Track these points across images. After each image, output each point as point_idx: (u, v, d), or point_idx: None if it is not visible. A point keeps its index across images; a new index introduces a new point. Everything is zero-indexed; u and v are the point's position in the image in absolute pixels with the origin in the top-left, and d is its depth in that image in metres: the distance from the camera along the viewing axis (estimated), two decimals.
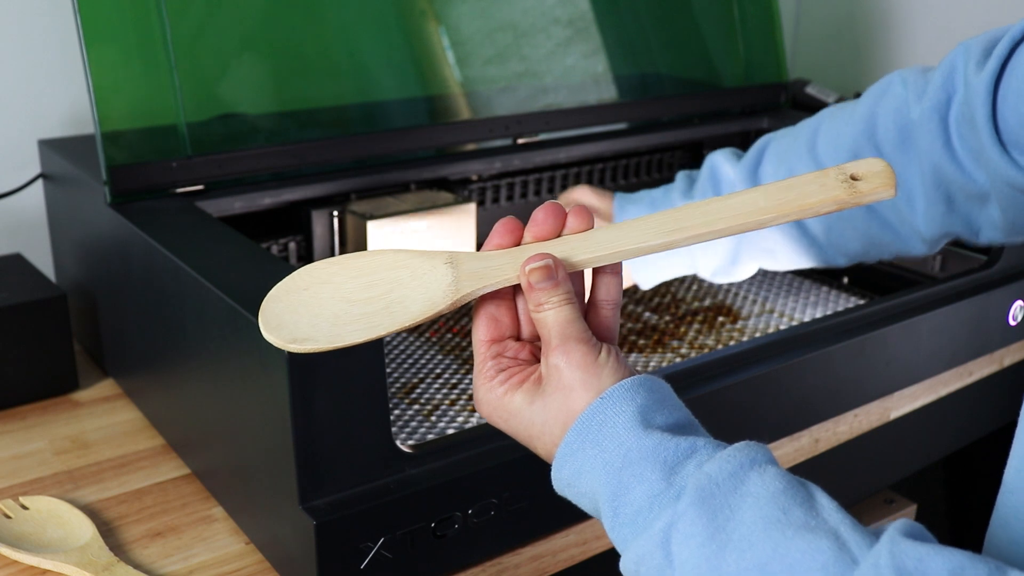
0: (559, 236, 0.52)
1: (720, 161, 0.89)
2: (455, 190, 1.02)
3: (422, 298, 0.50)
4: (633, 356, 0.92)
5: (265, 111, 0.95)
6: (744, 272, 0.91)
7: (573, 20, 1.13)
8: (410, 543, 0.63)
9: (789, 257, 0.88)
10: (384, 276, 0.51)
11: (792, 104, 1.33)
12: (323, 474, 0.61)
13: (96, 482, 0.78)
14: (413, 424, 0.79)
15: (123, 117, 0.84)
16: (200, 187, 0.88)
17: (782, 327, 0.97)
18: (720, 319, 1.00)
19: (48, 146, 0.99)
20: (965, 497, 1.37)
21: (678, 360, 0.91)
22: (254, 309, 0.63)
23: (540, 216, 0.52)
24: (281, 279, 0.69)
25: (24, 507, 0.73)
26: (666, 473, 0.46)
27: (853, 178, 0.48)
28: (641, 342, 0.94)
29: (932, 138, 0.73)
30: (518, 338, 0.54)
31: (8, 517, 0.72)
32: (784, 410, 0.83)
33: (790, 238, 0.86)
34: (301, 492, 0.60)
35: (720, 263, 0.89)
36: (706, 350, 0.93)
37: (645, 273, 0.89)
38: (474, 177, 1.08)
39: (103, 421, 0.87)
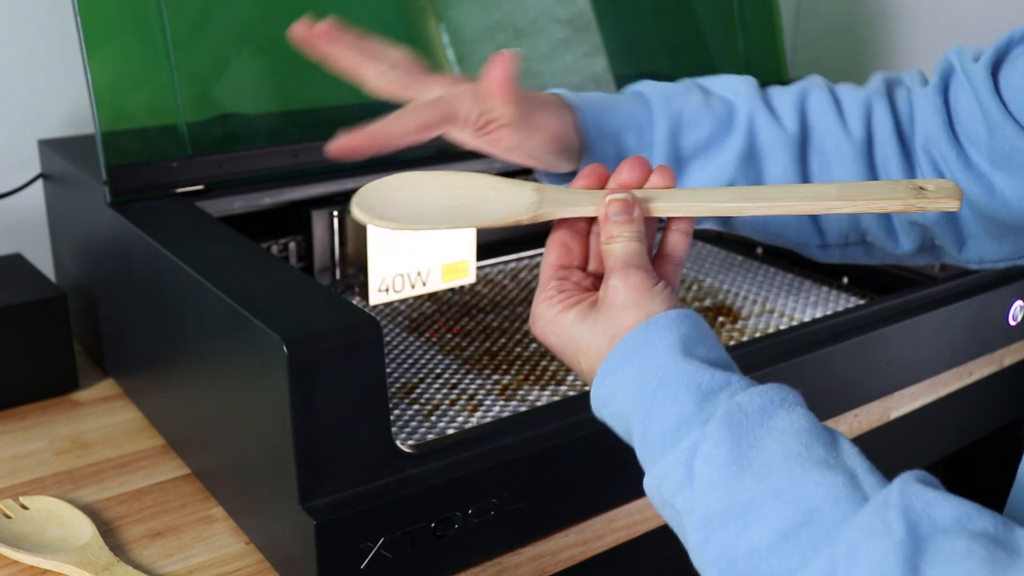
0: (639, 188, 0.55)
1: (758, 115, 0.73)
2: None
3: (505, 207, 0.54)
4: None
5: (265, 111, 0.95)
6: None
7: (573, 19, 1.13)
8: (410, 543, 0.63)
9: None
10: (472, 192, 0.56)
11: None
12: (323, 474, 0.61)
13: (96, 482, 0.78)
14: (413, 424, 0.79)
15: (123, 117, 0.84)
16: (200, 187, 0.88)
17: (782, 327, 0.97)
18: (720, 319, 1.00)
19: (48, 146, 0.99)
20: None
21: None
22: (254, 309, 0.63)
23: (626, 167, 0.55)
24: (281, 279, 0.70)
25: (24, 507, 0.73)
26: (699, 399, 0.48)
27: (922, 188, 0.53)
28: None
29: (928, 113, 0.68)
30: (583, 269, 0.57)
31: (8, 517, 0.72)
32: None
33: (784, 163, 0.71)
34: (301, 492, 0.60)
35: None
36: None
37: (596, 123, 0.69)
38: None
39: (103, 421, 0.87)
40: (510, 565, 0.69)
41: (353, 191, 0.98)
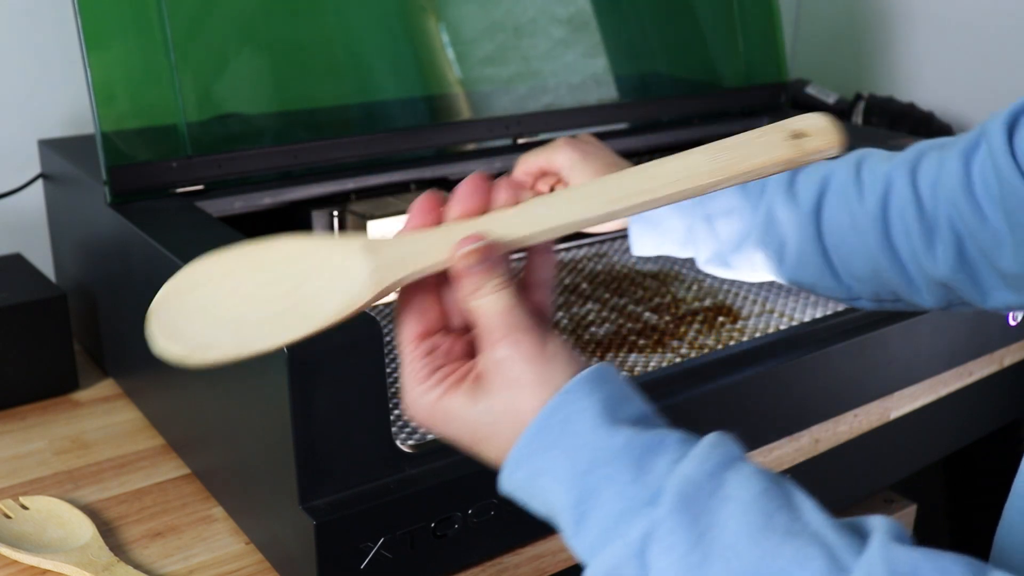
0: (486, 212, 0.46)
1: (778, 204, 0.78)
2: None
3: (339, 292, 0.43)
4: (633, 356, 0.92)
5: (265, 111, 0.95)
6: (744, 264, 0.81)
7: (573, 20, 1.13)
8: (410, 543, 0.63)
9: (796, 257, 0.78)
10: (291, 269, 0.44)
11: (792, 105, 1.33)
12: (323, 474, 0.61)
13: (96, 482, 0.78)
14: (413, 424, 0.79)
15: (123, 117, 0.84)
16: (200, 187, 0.88)
17: (782, 327, 0.97)
18: (720, 319, 1.00)
19: (48, 146, 0.99)
20: (965, 497, 1.37)
21: (678, 360, 0.91)
22: None
23: (464, 191, 0.47)
24: None
25: (24, 507, 0.73)
26: (637, 473, 0.43)
27: (798, 135, 0.45)
28: (641, 342, 0.94)
29: (952, 175, 0.68)
30: (447, 331, 0.49)
31: (8, 517, 0.72)
32: (784, 410, 0.83)
33: (800, 236, 0.76)
34: (301, 492, 0.60)
35: (719, 248, 0.79)
36: (706, 350, 0.93)
37: (643, 240, 0.80)
38: None
39: (103, 421, 0.87)
40: (510, 565, 0.69)
41: (354, 191, 0.99)
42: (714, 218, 0.76)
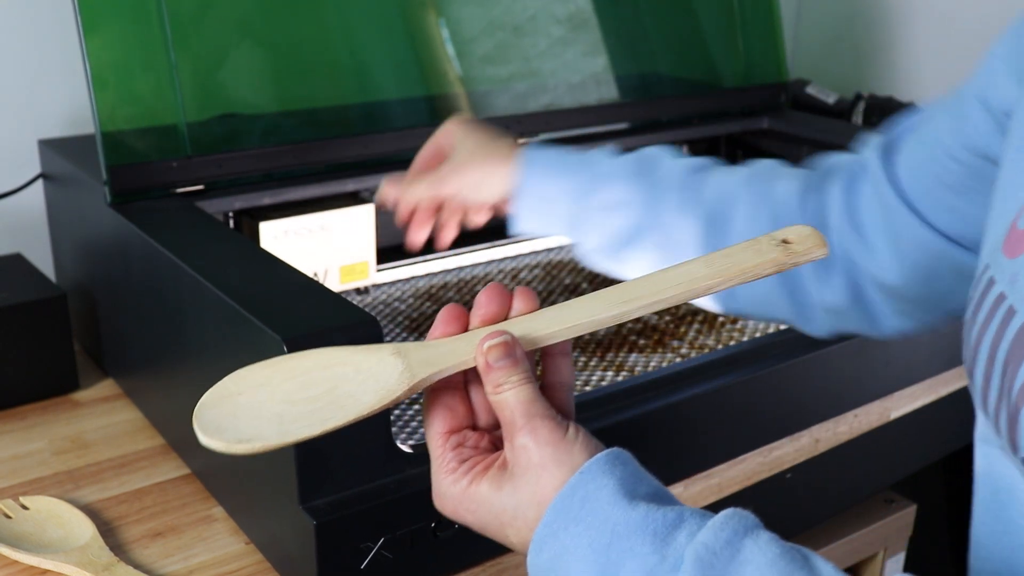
0: (505, 319, 0.50)
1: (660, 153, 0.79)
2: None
3: (373, 391, 0.47)
4: (633, 356, 0.92)
5: (265, 111, 0.95)
6: (633, 260, 0.76)
7: (573, 19, 1.13)
8: (410, 543, 0.63)
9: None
10: (324, 375, 0.48)
11: (792, 104, 1.33)
12: (323, 474, 0.61)
13: (96, 482, 0.78)
14: (413, 424, 0.79)
15: (123, 117, 0.84)
16: (200, 187, 0.88)
17: (782, 327, 0.97)
18: (720, 319, 1.00)
19: (48, 146, 0.99)
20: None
21: (678, 360, 0.91)
22: (254, 309, 0.63)
23: (484, 299, 0.50)
24: (280, 278, 0.69)
25: (24, 507, 0.73)
26: (658, 545, 0.44)
27: (785, 242, 0.50)
28: (641, 342, 0.94)
29: (837, 209, 0.69)
30: (474, 428, 0.52)
31: (8, 517, 0.72)
32: (784, 410, 0.83)
33: (696, 249, 0.74)
34: (301, 492, 0.60)
35: (608, 241, 0.76)
36: (706, 350, 0.93)
37: (527, 218, 0.77)
38: None
39: (103, 421, 0.87)
40: (510, 565, 0.69)
41: (354, 191, 0.99)
42: (610, 211, 0.74)
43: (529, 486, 0.47)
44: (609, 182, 0.73)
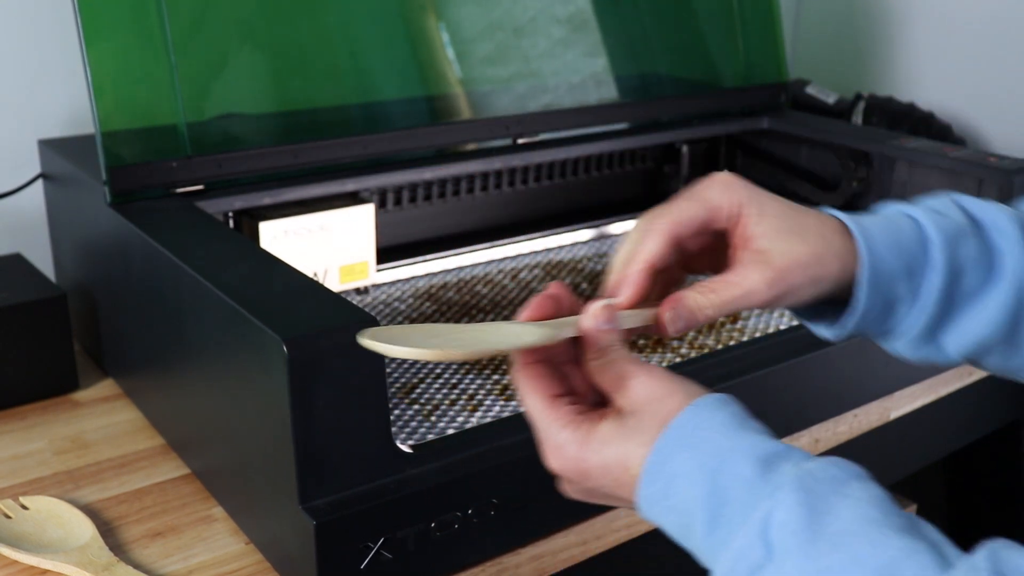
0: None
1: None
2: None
3: (525, 332, 0.51)
4: (633, 356, 0.92)
5: (265, 111, 0.95)
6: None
7: (573, 19, 1.13)
8: (410, 543, 0.63)
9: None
10: (481, 329, 0.52)
11: (792, 104, 1.33)
12: (323, 474, 0.61)
13: (96, 482, 0.78)
14: (413, 424, 0.79)
15: (123, 117, 0.84)
16: (200, 187, 0.88)
17: (782, 327, 0.97)
18: (720, 319, 1.00)
19: (48, 146, 0.99)
20: (965, 497, 1.37)
21: (678, 360, 0.91)
22: (254, 309, 0.63)
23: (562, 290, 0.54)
24: (281, 278, 0.69)
25: (24, 507, 0.73)
26: (763, 470, 0.46)
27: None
28: (641, 342, 0.94)
29: None
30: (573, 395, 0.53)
31: (8, 517, 0.72)
32: (784, 410, 0.83)
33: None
34: (301, 492, 0.60)
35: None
36: (706, 350, 0.93)
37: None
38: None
39: (103, 421, 0.87)
40: (510, 565, 0.69)
41: (354, 192, 0.99)
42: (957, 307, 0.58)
43: (651, 416, 0.49)
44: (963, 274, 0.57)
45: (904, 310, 0.58)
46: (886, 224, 0.57)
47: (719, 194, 0.55)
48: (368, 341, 0.48)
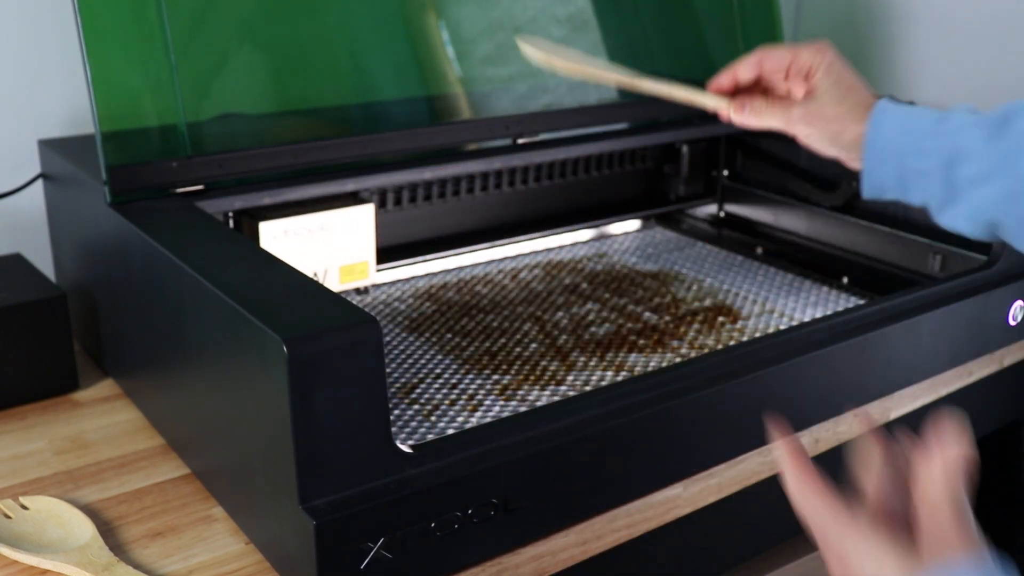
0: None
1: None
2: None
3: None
4: (633, 356, 0.92)
5: (265, 111, 0.95)
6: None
7: (573, 19, 1.13)
8: (410, 543, 0.63)
9: None
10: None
11: None
12: (323, 474, 0.61)
13: (96, 482, 0.78)
14: (413, 424, 0.79)
15: (123, 117, 0.84)
16: (200, 187, 0.88)
17: (782, 327, 0.97)
18: (720, 319, 1.00)
19: (48, 146, 0.99)
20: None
21: (678, 360, 0.91)
22: (254, 309, 0.63)
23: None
24: (281, 279, 0.70)
25: (24, 507, 0.73)
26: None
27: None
28: (641, 342, 0.94)
29: None
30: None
31: (8, 517, 0.72)
32: (784, 410, 0.83)
33: None
34: (301, 492, 0.60)
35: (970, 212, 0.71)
36: (706, 350, 0.93)
37: (883, 185, 0.74)
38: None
39: (103, 421, 0.87)
40: (510, 565, 0.69)
41: (354, 191, 0.99)
42: (974, 181, 0.69)
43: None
44: (970, 149, 0.68)
45: (922, 183, 0.70)
46: (913, 111, 0.71)
47: (808, 52, 0.74)
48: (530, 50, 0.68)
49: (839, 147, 0.74)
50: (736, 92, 0.78)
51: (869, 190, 0.73)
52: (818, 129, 0.74)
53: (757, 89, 0.77)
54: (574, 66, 0.71)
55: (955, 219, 0.71)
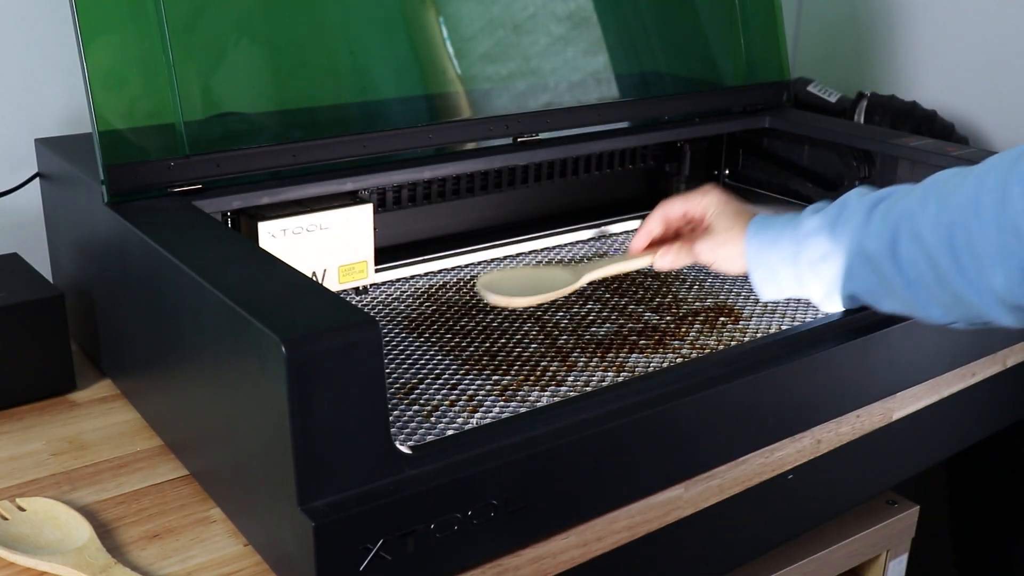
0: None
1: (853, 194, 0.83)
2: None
3: (566, 281, 0.85)
4: (634, 356, 0.91)
5: (263, 110, 0.94)
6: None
7: (573, 17, 1.13)
8: (409, 545, 0.63)
9: (886, 291, 0.79)
10: (533, 275, 0.87)
11: (794, 103, 1.32)
12: (322, 475, 0.60)
13: (93, 483, 0.78)
14: (412, 425, 0.78)
15: (120, 116, 0.84)
16: (198, 186, 0.87)
17: (784, 327, 0.96)
18: (722, 319, 0.99)
19: (45, 145, 0.98)
20: (968, 499, 1.36)
21: (679, 361, 0.91)
22: (252, 309, 0.62)
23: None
24: (279, 278, 0.69)
25: (21, 508, 0.72)
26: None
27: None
28: (642, 342, 0.94)
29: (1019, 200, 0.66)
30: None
31: (5, 519, 0.71)
32: (786, 411, 0.83)
33: (885, 273, 0.77)
34: (300, 493, 0.60)
35: (828, 288, 0.81)
36: (707, 351, 0.93)
37: (765, 290, 0.84)
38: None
39: (100, 422, 0.87)
40: (510, 567, 0.69)
41: (353, 191, 0.99)
42: (816, 264, 0.78)
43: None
44: (811, 239, 0.79)
45: (791, 283, 0.81)
46: (774, 223, 0.83)
47: (697, 196, 0.87)
48: (486, 293, 0.81)
49: (740, 266, 0.84)
50: (656, 244, 0.89)
51: (766, 294, 0.83)
52: (718, 256, 0.84)
53: (672, 236, 0.89)
54: (531, 300, 0.82)
55: (822, 303, 0.80)
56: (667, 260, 0.88)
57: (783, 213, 0.83)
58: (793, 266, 0.80)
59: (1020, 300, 0.68)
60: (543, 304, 0.89)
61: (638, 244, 0.90)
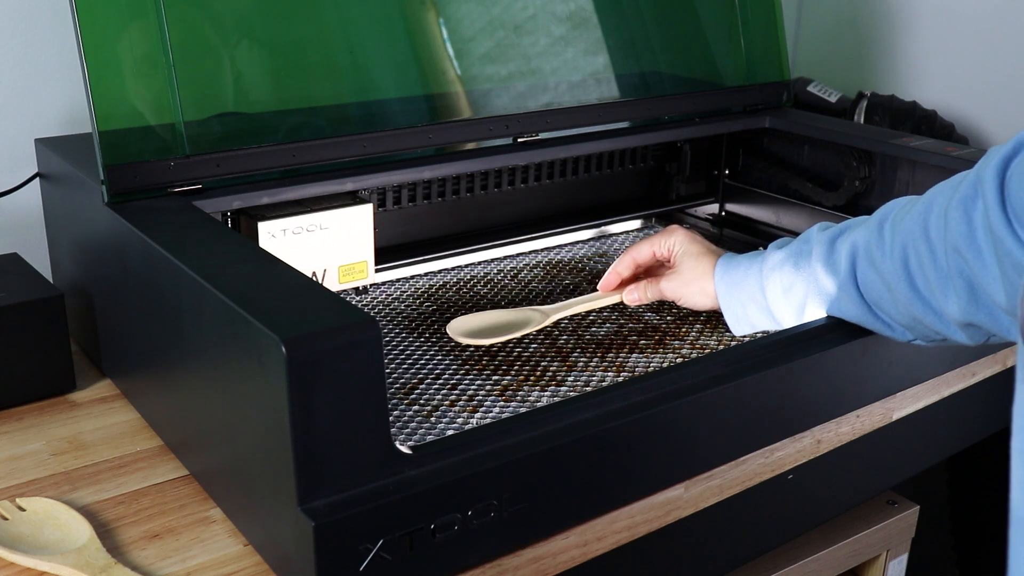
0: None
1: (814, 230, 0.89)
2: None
3: (531, 324, 0.89)
4: (634, 356, 0.91)
5: (263, 110, 0.94)
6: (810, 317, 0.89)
7: (573, 17, 1.13)
8: (409, 545, 0.63)
9: (852, 315, 0.85)
10: (502, 319, 0.90)
11: (794, 103, 1.32)
12: (322, 475, 0.60)
13: (93, 483, 0.78)
14: (412, 425, 0.78)
15: (120, 116, 0.84)
16: (198, 186, 0.87)
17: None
18: (721, 319, 0.99)
19: (45, 145, 0.98)
20: (968, 499, 1.36)
21: (680, 360, 0.91)
22: (252, 309, 0.62)
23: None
24: (279, 278, 0.69)
25: (21, 508, 0.72)
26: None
27: None
28: (643, 342, 0.94)
29: (955, 227, 0.72)
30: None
31: (5, 519, 0.71)
32: (786, 410, 0.83)
33: (847, 299, 0.83)
34: (300, 493, 0.60)
35: (797, 317, 0.87)
36: (707, 350, 0.93)
37: (738, 326, 0.90)
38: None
39: (100, 422, 0.87)
40: (510, 567, 0.69)
41: (353, 191, 0.99)
42: (782, 296, 0.85)
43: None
44: (775, 272, 0.86)
45: (763, 317, 0.88)
46: (740, 263, 0.89)
47: (661, 237, 0.93)
48: (455, 334, 0.86)
49: (706, 303, 0.90)
50: (625, 283, 0.95)
51: (738, 330, 0.90)
52: (685, 293, 0.90)
53: (641, 275, 0.95)
54: (500, 339, 0.86)
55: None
56: (635, 296, 0.94)
57: (745, 252, 0.90)
58: (761, 300, 0.86)
59: (971, 318, 0.74)
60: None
61: (608, 283, 0.95)
